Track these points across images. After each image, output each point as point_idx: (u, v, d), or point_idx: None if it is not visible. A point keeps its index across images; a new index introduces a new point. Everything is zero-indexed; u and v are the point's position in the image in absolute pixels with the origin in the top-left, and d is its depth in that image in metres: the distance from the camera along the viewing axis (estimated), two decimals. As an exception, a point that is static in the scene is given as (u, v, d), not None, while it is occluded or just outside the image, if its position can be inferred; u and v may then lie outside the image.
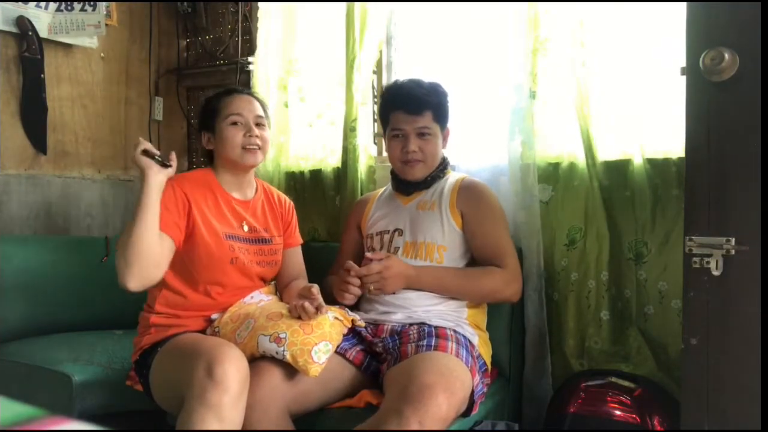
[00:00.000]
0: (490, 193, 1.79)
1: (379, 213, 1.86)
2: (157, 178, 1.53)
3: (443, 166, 1.83)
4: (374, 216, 1.87)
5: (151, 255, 1.49)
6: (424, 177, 1.79)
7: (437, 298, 1.68)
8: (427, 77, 1.82)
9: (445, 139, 1.82)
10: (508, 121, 1.95)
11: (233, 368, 1.35)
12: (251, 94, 1.77)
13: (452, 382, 1.38)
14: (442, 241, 1.72)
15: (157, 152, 1.55)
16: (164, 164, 1.55)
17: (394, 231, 1.79)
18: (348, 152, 2.24)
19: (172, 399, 1.46)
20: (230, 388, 1.32)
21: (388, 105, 1.80)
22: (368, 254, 1.68)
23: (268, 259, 1.74)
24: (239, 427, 1.35)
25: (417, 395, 1.31)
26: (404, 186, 1.83)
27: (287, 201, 1.88)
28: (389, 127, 1.78)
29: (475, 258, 1.74)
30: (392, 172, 1.88)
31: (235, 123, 1.68)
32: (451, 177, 1.82)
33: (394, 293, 1.67)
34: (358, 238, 1.91)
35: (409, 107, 1.73)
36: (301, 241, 1.89)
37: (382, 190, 1.96)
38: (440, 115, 1.77)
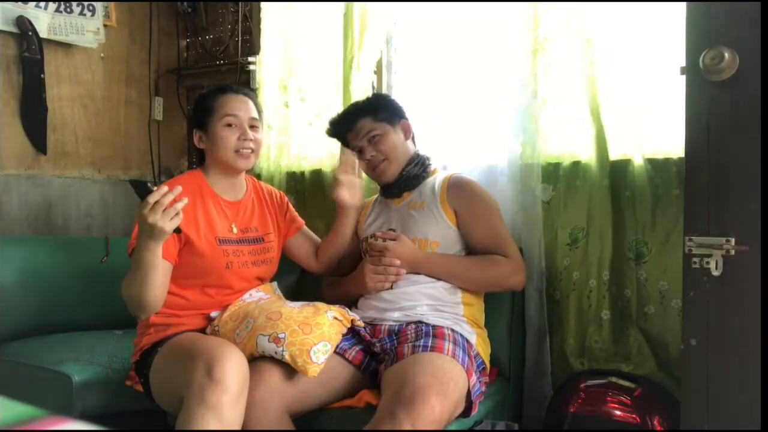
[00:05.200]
0: (479, 186, 1.80)
1: (372, 217, 1.89)
2: (160, 251, 1.45)
3: (421, 162, 1.83)
4: (368, 220, 1.89)
5: (159, 295, 1.51)
6: (399, 173, 1.79)
7: (433, 292, 1.68)
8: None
9: (406, 132, 1.84)
10: (509, 121, 1.95)
11: (233, 368, 1.35)
12: (246, 94, 1.74)
13: (446, 384, 1.38)
14: (435, 236, 1.73)
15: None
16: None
17: (388, 231, 1.79)
18: (344, 152, 2.25)
19: (171, 399, 1.46)
20: (229, 387, 1.32)
21: (339, 135, 1.87)
22: (378, 233, 1.72)
23: (263, 257, 1.73)
24: (239, 427, 1.35)
25: (410, 398, 1.32)
26: (389, 190, 1.84)
27: (277, 194, 1.88)
28: (353, 150, 1.83)
29: (476, 252, 1.74)
30: (379, 185, 1.90)
31: (229, 125, 1.66)
32: (439, 175, 1.84)
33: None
34: (356, 244, 1.92)
35: (347, 121, 1.82)
36: (302, 222, 1.90)
37: (375, 196, 1.98)
38: (380, 112, 1.80)
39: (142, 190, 1.36)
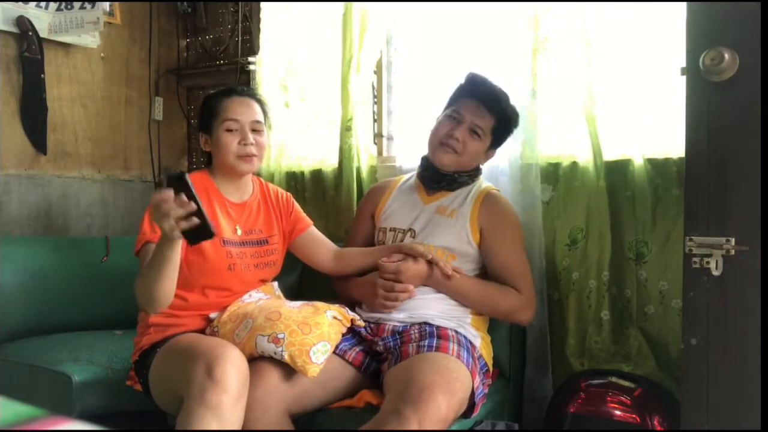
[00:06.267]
0: (512, 211, 1.77)
1: (395, 205, 1.84)
2: (179, 247, 1.40)
3: (474, 176, 1.79)
4: (390, 208, 1.84)
5: (171, 293, 1.47)
6: (451, 171, 1.74)
7: (441, 303, 1.68)
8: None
9: (487, 157, 1.80)
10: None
11: (233, 368, 1.35)
12: (251, 96, 1.72)
13: (452, 383, 1.38)
14: (453, 249, 1.70)
15: (194, 215, 1.29)
16: (195, 238, 1.34)
17: (408, 231, 1.77)
18: (344, 152, 2.25)
19: (171, 399, 1.46)
20: (230, 387, 1.32)
21: (464, 90, 1.76)
22: (383, 260, 1.66)
23: (266, 260, 1.73)
24: (239, 427, 1.35)
25: (416, 396, 1.31)
26: (430, 177, 1.78)
27: (284, 194, 1.86)
28: (451, 108, 1.74)
29: (491, 276, 1.72)
30: (423, 160, 1.82)
31: (230, 129, 1.64)
32: (476, 186, 1.78)
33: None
34: (371, 228, 1.89)
35: (483, 99, 1.70)
36: (310, 222, 1.86)
37: (405, 178, 1.92)
38: (499, 129, 1.74)
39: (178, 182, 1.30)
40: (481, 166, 1.82)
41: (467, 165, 1.75)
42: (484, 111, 1.70)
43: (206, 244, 1.58)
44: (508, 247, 1.70)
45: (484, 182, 1.82)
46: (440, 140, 1.72)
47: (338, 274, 1.83)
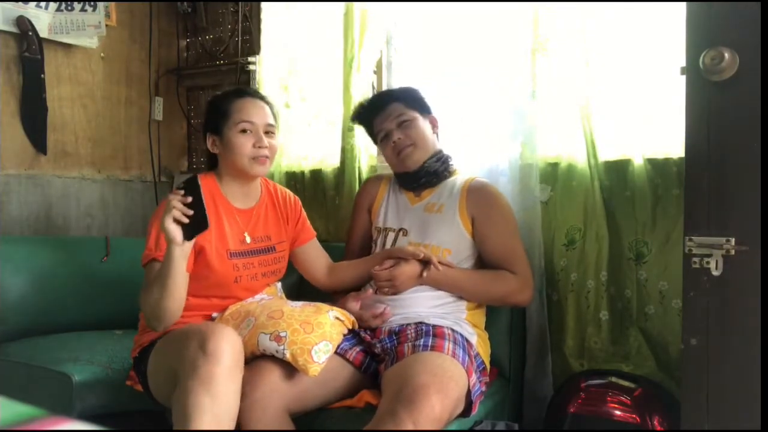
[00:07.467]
0: (500, 195, 1.77)
1: (388, 206, 1.86)
2: (183, 249, 1.38)
3: (443, 160, 1.81)
4: (383, 208, 1.86)
5: (178, 307, 1.46)
6: (422, 162, 1.77)
7: (436, 300, 1.68)
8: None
9: (434, 126, 1.83)
10: (509, 122, 1.95)
11: (226, 342, 1.33)
12: (263, 99, 1.70)
13: (446, 382, 1.39)
14: (448, 244, 1.71)
15: (188, 211, 1.34)
16: (191, 232, 1.36)
17: (399, 230, 1.78)
18: (346, 152, 2.25)
19: (169, 388, 1.43)
20: (222, 359, 1.30)
21: (365, 118, 1.86)
22: (375, 269, 1.67)
23: (273, 268, 1.72)
24: (233, 404, 1.33)
25: (411, 396, 1.32)
26: (409, 182, 1.81)
27: (292, 197, 1.83)
28: (377, 137, 1.83)
29: (486, 262, 1.73)
30: (396, 176, 1.87)
31: (245, 131, 1.62)
32: (460, 177, 1.81)
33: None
34: (368, 221, 1.90)
35: (377, 105, 1.82)
36: (314, 233, 1.85)
37: (391, 177, 1.93)
38: (411, 101, 1.80)
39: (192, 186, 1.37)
40: (448, 155, 1.83)
41: (429, 149, 1.79)
42: (388, 108, 1.79)
43: (213, 261, 1.57)
44: (500, 230, 1.71)
45: (467, 173, 1.85)
46: (394, 155, 1.79)
47: (331, 289, 1.83)
